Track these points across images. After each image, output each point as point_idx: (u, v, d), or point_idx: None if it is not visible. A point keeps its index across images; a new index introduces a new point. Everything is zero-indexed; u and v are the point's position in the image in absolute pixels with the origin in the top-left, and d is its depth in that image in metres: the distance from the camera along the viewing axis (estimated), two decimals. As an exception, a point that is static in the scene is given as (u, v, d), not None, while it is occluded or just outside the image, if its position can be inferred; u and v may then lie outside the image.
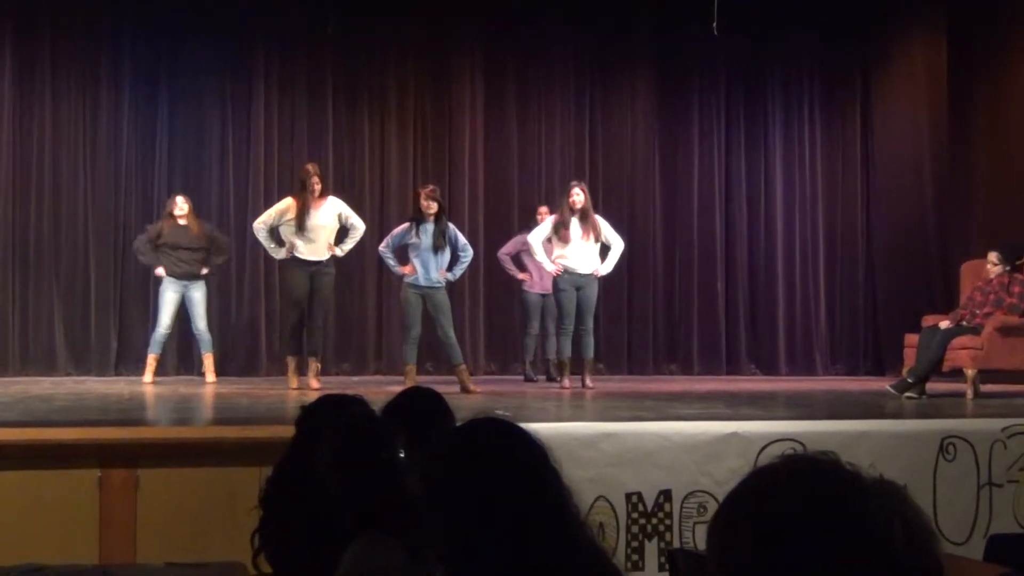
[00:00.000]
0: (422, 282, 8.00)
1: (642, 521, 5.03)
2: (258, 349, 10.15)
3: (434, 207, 8.04)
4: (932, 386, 7.87)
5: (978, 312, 7.86)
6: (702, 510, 5.02)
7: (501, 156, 10.81)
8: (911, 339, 8.20)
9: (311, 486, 2.44)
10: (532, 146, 10.91)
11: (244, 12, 10.23)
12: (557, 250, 8.23)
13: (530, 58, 10.91)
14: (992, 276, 7.98)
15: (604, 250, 8.36)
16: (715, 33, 9.43)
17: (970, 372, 7.61)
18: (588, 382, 8.22)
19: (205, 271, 8.90)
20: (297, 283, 8.15)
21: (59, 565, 3.22)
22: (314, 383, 8.00)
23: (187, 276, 8.80)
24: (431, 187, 8.30)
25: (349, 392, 3.06)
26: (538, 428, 1.77)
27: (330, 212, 8.22)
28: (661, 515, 5.05)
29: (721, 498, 1.12)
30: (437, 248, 8.01)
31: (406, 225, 8.22)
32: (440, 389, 3.28)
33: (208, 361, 8.91)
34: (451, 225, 8.27)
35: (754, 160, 11.30)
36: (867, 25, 11.17)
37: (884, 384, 8.10)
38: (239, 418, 5.95)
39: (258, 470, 4.01)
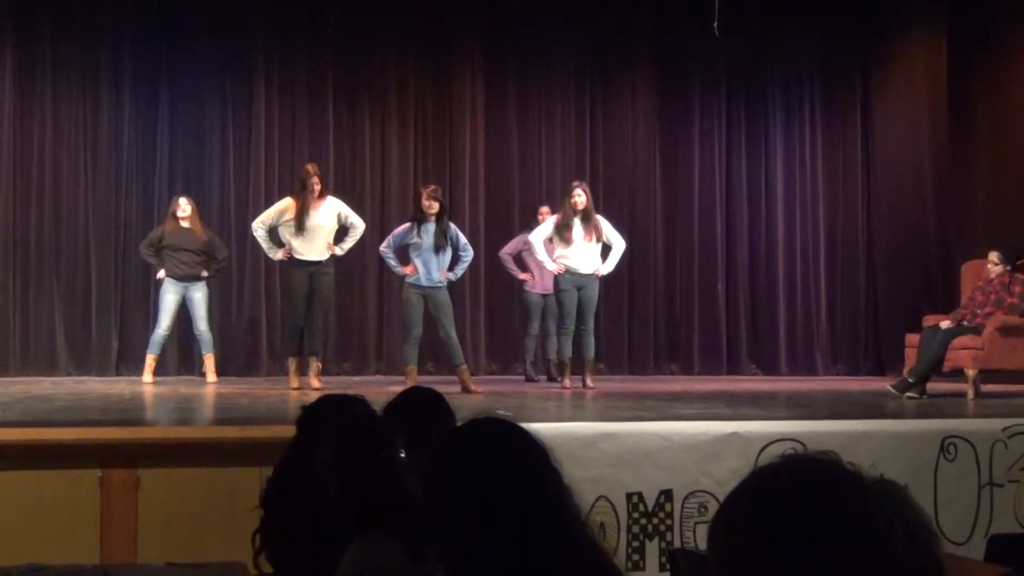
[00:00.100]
0: (424, 282, 7.99)
1: (643, 521, 5.03)
2: (259, 349, 10.15)
3: (435, 207, 8.03)
4: (933, 386, 7.87)
5: (979, 312, 7.86)
6: (703, 510, 5.02)
7: (502, 156, 10.81)
8: (912, 339, 8.21)
9: (312, 486, 2.44)
10: (533, 146, 10.91)
11: (244, 12, 10.23)
12: (559, 250, 8.23)
13: (530, 58, 10.91)
14: (993, 276, 7.98)
15: (605, 250, 8.36)
16: (715, 33, 9.43)
17: (971, 372, 7.60)
18: (589, 382, 8.22)
19: (205, 274, 8.90)
20: (297, 283, 8.15)
21: (60, 565, 3.23)
22: (315, 382, 8.01)
23: (188, 278, 8.80)
24: (432, 187, 8.30)
25: (350, 392, 3.06)
26: (539, 428, 1.77)
27: (329, 212, 8.22)
28: (662, 515, 5.05)
29: (722, 498, 1.12)
30: (439, 248, 8.01)
31: (407, 225, 8.22)
32: (441, 389, 3.28)
33: (209, 361, 8.91)
34: (452, 225, 8.27)
35: (754, 160, 11.30)
36: (867, 25, 11.17)
37: (885, 384, 8.10)
38: (240, 418, 5.95)
39: (259, 470, 4.01)
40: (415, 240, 8.03)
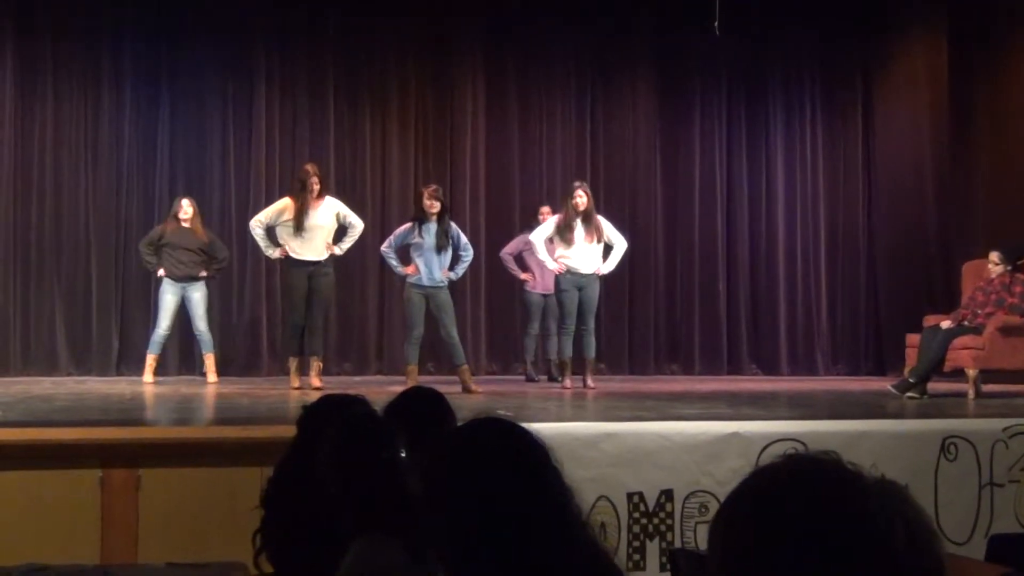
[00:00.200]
0: (425, 281, 8.00)
1: (643, 521, 5.03)
2: (259, 349, 10.16)
3: (437, 206, 8.04)
4: (933, 386, 7.87)
5: (979, 312, 7.86)
6: (703, 510, 5.02)
7: (502, 156, 10.81)
8: (912, 339, 8.21)
9: (312, 486, 2.44)
10: (533, 146, 10.92)
11: (245, 12, 10.24)
12: (560, 250, 8.24)
13: (531, 58, 10.91)
14: (993, 276, 7.98)
15: (606, 250, 8.37)
16: (716, 33, 9.42)
17: (971, 372, 7.60)
18: (589, 382, 8.22)
19: (204, 274, 8.90)
20: (296, 283, 8.16)
21: (61, 565, 3.23)
22: (316, 382, 8.02)
23: (186, 278, 8.80)
24: (434, 187, 8.31)
25: (351, 392, 3.06)
26: (539, 428, 1.77)
27: (328, 212, 8.23)
28: (662, 515, 5.05)
29: (722, 498, 1.12)
30: (440, 248, 8.02)
31: (408, 225, 8.22)
32: (442, 389, 3.28)
33: (209, 361, 8.92)
34: (453, 224, 8.27)
35: (755, 160, 11.30)
36: (868, 25, 11.17)
37: (885, 384, 8.10)
38: (240, 418, 5.95)
39: (259, 470, 4.01)
40: (416, 240, 8.04)
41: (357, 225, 8.39)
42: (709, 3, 9.32)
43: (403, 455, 2.37)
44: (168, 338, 9.00)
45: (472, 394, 7.55)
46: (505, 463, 1.62)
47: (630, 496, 5.01)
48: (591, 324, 8.29)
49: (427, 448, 1.73)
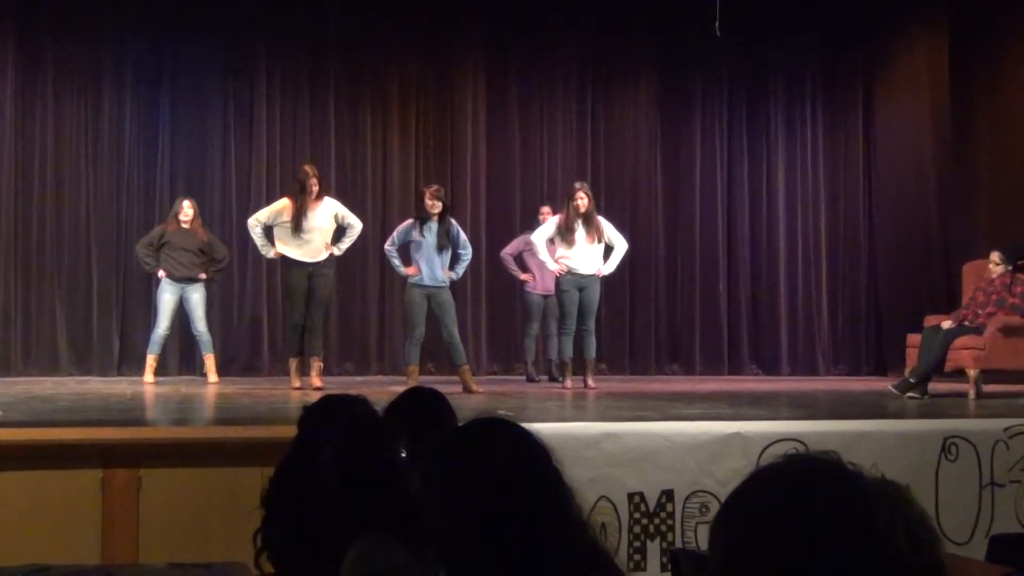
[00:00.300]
0: (427, 281, 8.00)
1: (644, 521, 5.03)
2: (260, 349, 10.16)
3: (439, 206, 8.05)
4: (934, 386, 7.86)
5: (980, 312, 7.86)
6: (704, 510, 5.02)
7: (503, 157, 10.81)
8: (913, 339, 8.20)
9: (313, 486, 2.44)
10: (534, 147, 10.92)
11: (246, 12, 10.24)
12: (561, 251, 8.24)
13: (532, 58, 10.91)
14: (994, 276, 7.98)
15: (607, 250, 8.37)
16: (717, 34, 9.42)
17: (972, 372, 7.60)
18: (590, 382, 8.22)
19: (204, 276, 8.90)
20: (296, 282, 8.16)
21: (62, 565, 3.23)
22: (317, 381, 8.02)
23: (185, 279, 8.81)
24: (436, 187, 8.32)
25: (351, 392, 3.06)
26: (540, 428, 1.77)
27: (326, 213, 8.23)
28: (663, 515, 5.05)
29: (723, 498, 1.12)
30: (441, 247, 8.03)
31: (410, 221, 8.21)
32: (442, 389, 3.28)
33: (209, 362, 8.92)
34: (454, 222, 8.27)
35: (756, 160, 11.30)
36: (868, 25, 11.17)
37: (886, 384, 8.09)
38: (241, 418, 5.95)
39: (260, 470, 4.00)
40: (418, 238, 8.04)
41: (356, 225, 8.39)
42: (710, 4, 9.31)
43: (404, 455, 2.37)
44: (168, 338, 9.00)
45: (473, 394, 7.55)
46: (506, 463, 1.62)
47: (631, 496, 5.01)
48: (591, 325, 8.29)
49: (428, 448, 1.73)
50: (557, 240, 8.27)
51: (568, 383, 8.23)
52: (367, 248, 9.91)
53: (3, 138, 9.76)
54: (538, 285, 9.44)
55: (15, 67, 9.83)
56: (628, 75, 11.09)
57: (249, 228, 8.39)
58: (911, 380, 7.67)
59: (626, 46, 11.02)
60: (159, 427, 5.84)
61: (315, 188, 8.14)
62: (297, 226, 8.07)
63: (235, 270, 10.00)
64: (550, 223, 8.45)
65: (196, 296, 8.84)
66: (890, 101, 11.14)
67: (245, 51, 10.31)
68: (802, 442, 5.04)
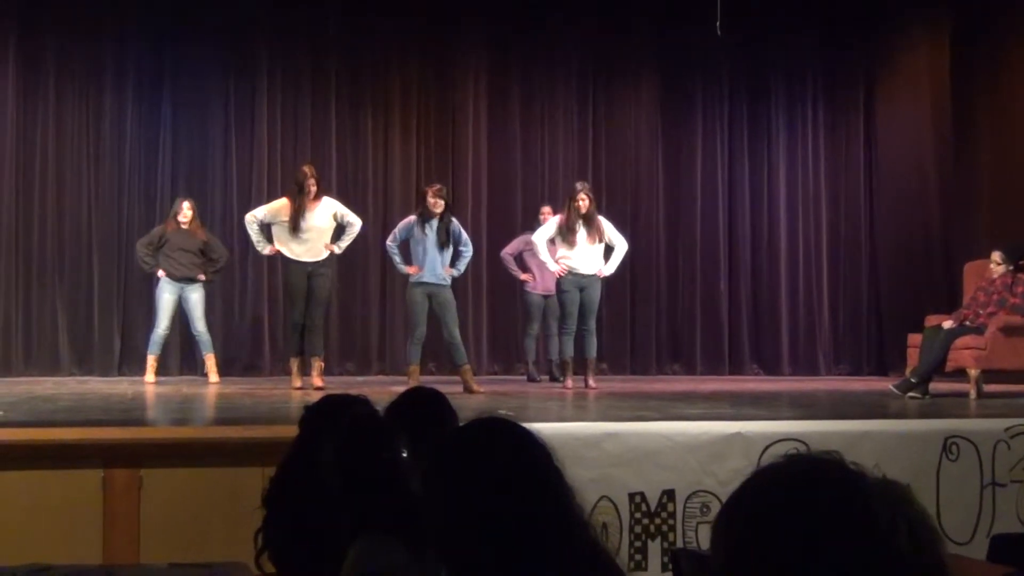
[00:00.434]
0: (428, 279, 8.00)
1: (645, 521, 5.03)
2: (261, 349, 10.17)
3: (441, 205, 8.05)
4: (935, 386, 7.86)
5: (981, 312, 7.85)
6: (705, 510, 5.02)
7: (504, 156, 10.81)
8: (914, 339, 8.20)
9: (314, 486, 2.44)
10: (535, 146, 10.92)
11: (247, 12, 10.24)
12: (561, 251, 8.24)
13: (533, 59, 10.91)
14: (995, 276, 7.98)
15: (608, 250, 8.37)
16: (718, 34, 9.42)
17: (973, 372, 7.60)
18: (591, 382, 8.22)
19: (203, 278, 8.90)
20: (296, 283, 8.17)
21: (63, 565, 3.23)
22: (318, 381, 8.03)
23: (184, 279, 8.81)
24: (438, 186, 8.33)
25: (352, 392, 3.06)
26: (541, 428, 1.77)
27: (325, 213, 8.24)
28: (664, 515, 5.05)
29: (724, 498, 1.12)
30: (442, 245, 8.03)
31: (412, 218, 8.20)
32: (443, 389, 3.28)
33: (210, 362, 8.92)
34: (455, 220, 8.27)
35: (757, 160, 11.30)
36: (870, 25, 11.17)
37: (887, 384, 8.09)
38: (242, 418, 5.95)
39: (261, 470, 4.00)
40: (419, 236, 8.04)
41: (355, 223, 8.39)
42: (711, 3, 9.31)
43: (404, 455, 2.37)
44: (168, 338, 9.00)
45: (474, 394, 7.55)
46: (506, 463, 1.62)
47: (632, 496, 5.01)
48: (592, 325, 8.29)
49: (429, 448, 1.73)
50: (558, 240, 8.27)
51: (569, 383, 8.23)
52: (368, 248, 9.91)
53: (4, 139, 9.77)
54: (538, 285, 9.44)
55: (16, 68, 9.84)
56: (629, 75, 11.09)
57: (246, 224, 8.40)
58: (912, 380, 7.67)
59: (627, 46, 11.02)
60: (160, 427, 5.83)
61: (313, 188, 8.14)
62: (295, 226, 8.08)
63: (236, 270, 10.01)
64: (551, 223, 8.45)
65: (195, 296, 8.84)
66: (891, 101, 11.14)
67: (246, 51, 10.31)
68: (803, 442, 5.05)
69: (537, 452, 1.66)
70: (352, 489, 2.31)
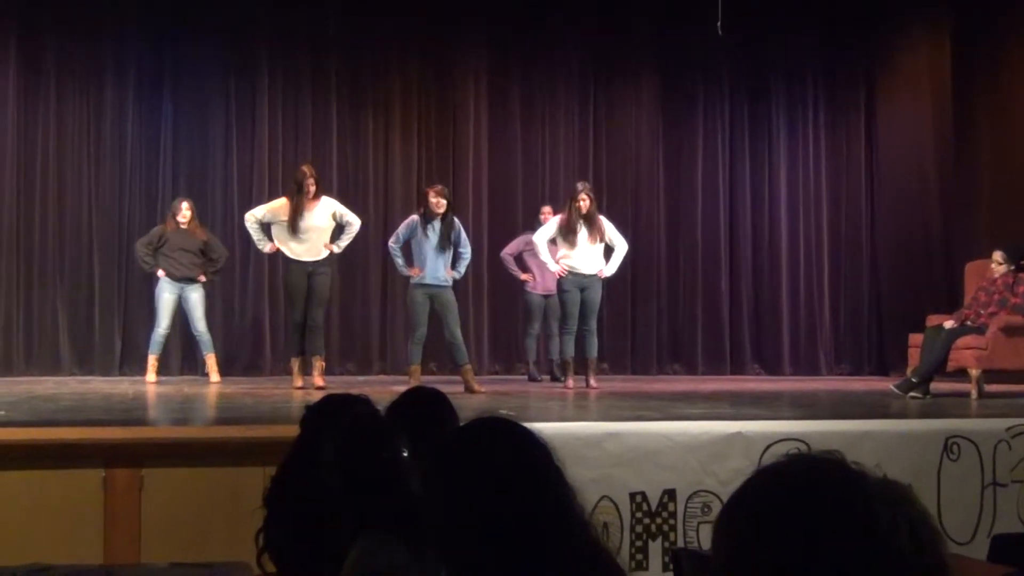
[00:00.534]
0: (429, 280, 8.00)
1: (646, 521, 5.03)
2: (262, 349, 10.17)
3: (444, 205, 8.05)
4: (936, 386, 7.86)
5: (982, 312, 7.85)
6: (706, 510, 5.02)
7: (505, 157, 10.81)
8: (915, 339, 8.20)
9: (315, 486, 2.44)
10: (536, 147, 10.92)
11: (247, 12, 10.25)
12: (562, 251, 8.25)
13: (533, 59, 10.92)
14: (996, 276, 7.98)
15: (608, 250, 8.37)
16: (719, 34, 9.42)
17: (974, 372, 7.59)
18: (592, 382, 8.22)
19: (202, 278, 8.90)
20: (296, 282, 8.18)
21: (63, 565, 3.23)
22: (319, 381, 8.04)
23: (184, 279, 8.82)
24: (440, 186, 8.32)
25: (353, 392, 3.06)
26: (542, 428, 1.77)
27: (324, 213, 8.24)
28: (665, 515, 5.05)
29: (725, 498, 1.12)
30: (443, 246, 8.03)
31: (415, 218, 8.19)
32: (444, 389, 3.28)
33: (210, 361, 8.92)
34: (457, 221, 8.26)
35: (758, 160, 11.30)
36: (871, 26, 11.17)
37: (888, 384, 8.09)
38: (243, 418, 5.95)
39: (262, 470, 4.00)
40: (421, 237, 8.04)
41: (354, 223, 8.38)
42: (711, 3, 9.31)
43: (405, 455, 2.37)
44: (168, 337, 9.01)
45: (475, 394, 7.55)
46: (507, 463, 1.62)
47: (632, 496, 5.01)
48: (593, 325, 8.29)
49: (429, 448, 1.73)
50: (559, 240, 8.27)
51: (570, 383, 8.23)
52: (368, 248, 9.92)
53: (5, 139, 9.77)
54: (538, 285, 9.44)
55: (16, 68, 9.84)
56: (629, 75, 11.09)
57: (245, 222, 8.41)
58: (913, 380, 7.67)
59: (627, 46, 11.02)
60: (161, 427, 5.84)
61: (312, 188, 8.14)
62: (294, 226, 8.08)
63: (236, 270, 10.01)
64: (551, 223, 8.45)
65: (195, 296, 8.84)
66: (891, 101, 11.14)
67: (246, 51, 10.31)
68: (804, 442, 5.05)
69: (538, 452, 1.66)
70: (353, 489, 2.31)
